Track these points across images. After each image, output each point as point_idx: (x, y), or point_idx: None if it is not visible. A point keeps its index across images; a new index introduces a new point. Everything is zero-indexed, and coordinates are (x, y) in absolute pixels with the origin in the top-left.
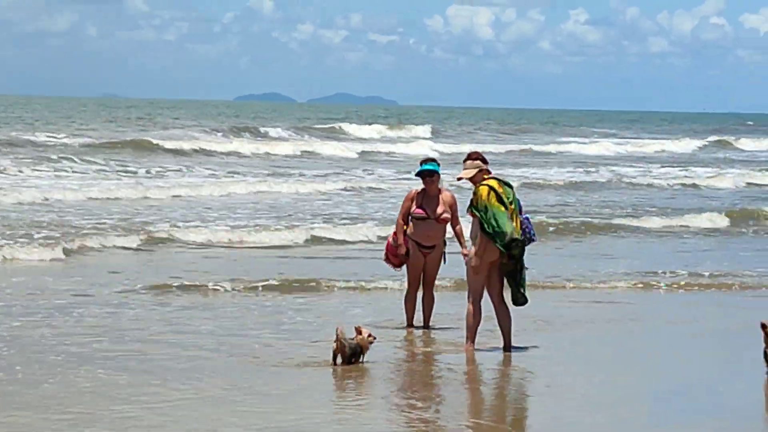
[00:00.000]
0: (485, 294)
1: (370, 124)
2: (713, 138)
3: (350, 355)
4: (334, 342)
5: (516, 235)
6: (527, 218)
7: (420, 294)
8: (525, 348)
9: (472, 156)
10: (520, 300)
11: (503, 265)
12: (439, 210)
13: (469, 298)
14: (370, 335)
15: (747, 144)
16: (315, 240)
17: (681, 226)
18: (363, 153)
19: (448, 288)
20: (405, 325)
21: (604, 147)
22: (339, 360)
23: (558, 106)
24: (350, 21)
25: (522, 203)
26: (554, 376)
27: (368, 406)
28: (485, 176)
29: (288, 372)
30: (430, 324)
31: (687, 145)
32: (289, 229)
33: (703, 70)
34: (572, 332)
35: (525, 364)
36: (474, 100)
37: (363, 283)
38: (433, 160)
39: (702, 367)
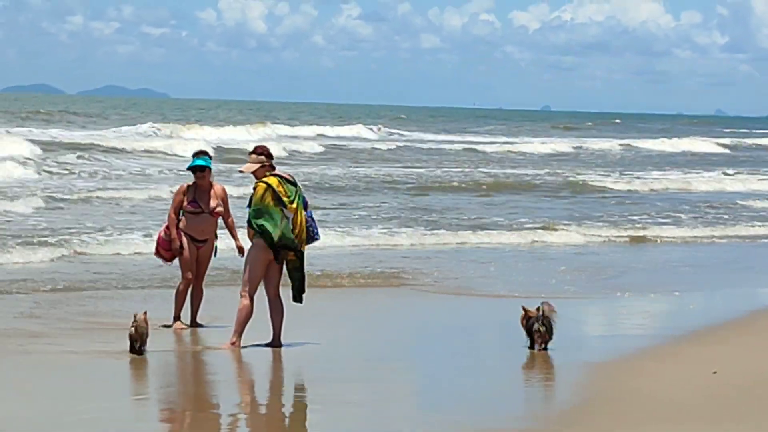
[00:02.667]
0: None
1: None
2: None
3: (144, 341)
4: (132, 327)
5: (285, 239)
6: (311, 215)
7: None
8: (295, 344)
9: (257, 150)
10: (297, 299)
11: (289, 261)
12: (213, 204)
13: (243, 290)
14: (144, 313)
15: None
16: None
17: None
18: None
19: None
20: (172, 319)
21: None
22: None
23: (331, 100)
24: (122, 13)
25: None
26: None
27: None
28: (267, 172)
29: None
30: (198, 320)
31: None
32: None
33: (473, 66)
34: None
35: (295, 360)
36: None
37: None
38: (205, 153)
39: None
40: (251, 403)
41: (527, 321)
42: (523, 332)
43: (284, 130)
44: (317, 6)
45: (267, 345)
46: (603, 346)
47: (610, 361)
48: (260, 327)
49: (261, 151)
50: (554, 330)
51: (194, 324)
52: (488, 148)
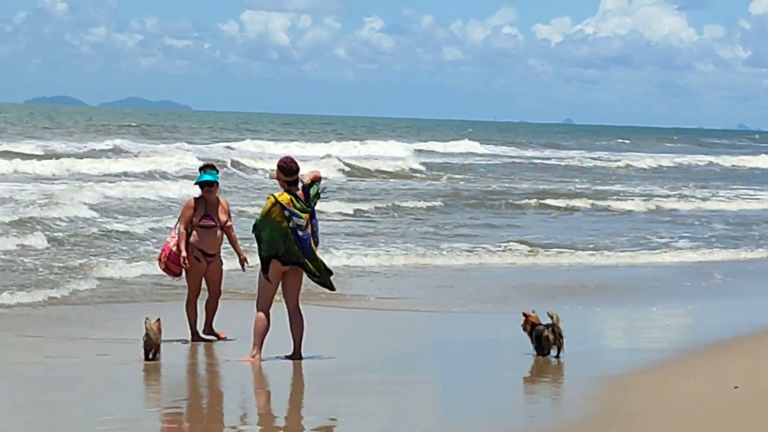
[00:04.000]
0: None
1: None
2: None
3: (157, 348)
4: (145, 335)
5: (287, 254)
6: (316, 222)
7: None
8: (315, 356)
9: (279, 164)
10: (328, 285)
11: (307, 272)
12: (223, 218)
13: (257, 305)
14: (157, 320)
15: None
16: None
17: None
18: None
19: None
20: (189, 333)
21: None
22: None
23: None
24: (145, 25)
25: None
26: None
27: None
28: (283, 189)
29: None
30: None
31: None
32: None
33: (495, 79)
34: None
35: (317, 372)
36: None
37: None
38: (212, 168)
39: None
40: (270, 416)
41: (531, 327)
42: (528, 338)
43: (383, 146)
44: (340, 19)
45: (287, 357)
46: (619, 359)
47: (626, 373)
48: (281, 339)
49: (282, 168)
50: (563, 336)
51: (210, 333)
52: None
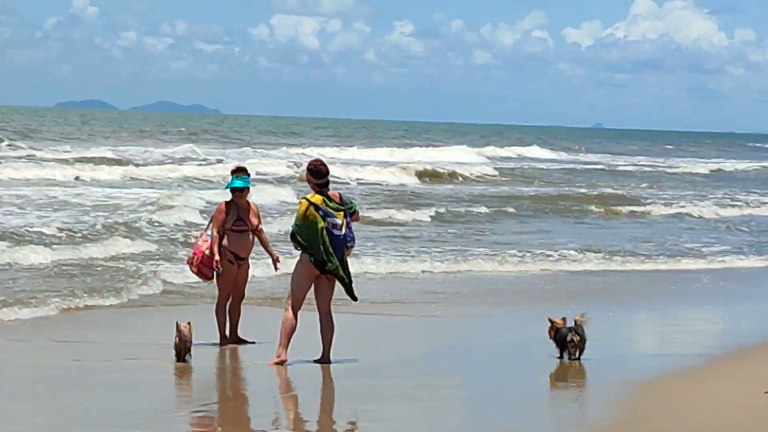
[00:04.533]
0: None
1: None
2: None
3: (187, 350)
4: (176, 337)
5: (325, 254)
6: (351, 232)
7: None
8: (343, 360)
9: (308, 166)
10: (352, 298)
11: (338, 278)
12: (255, 221)
13: (287, 303)
14: (188, 323)
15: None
16: None
17: None
18: None
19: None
20: (219, 337)
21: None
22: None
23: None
24: (176, 29)
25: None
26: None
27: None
28: (314, 191)
29: None
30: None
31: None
32: None
33: (525, 83)
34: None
35: (343, 376)
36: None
37: None
38: (245, 172)
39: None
40: (297, 420)
41: (556, 332)
42: (553, 344)
43: (453, 151)
44: (370, 23)
45: (316, 361)
46: (649, 363)
47: (654, 378)
48: (309, 343)
49: (311, 171)
50: (586, 338)
51: (236, 340)
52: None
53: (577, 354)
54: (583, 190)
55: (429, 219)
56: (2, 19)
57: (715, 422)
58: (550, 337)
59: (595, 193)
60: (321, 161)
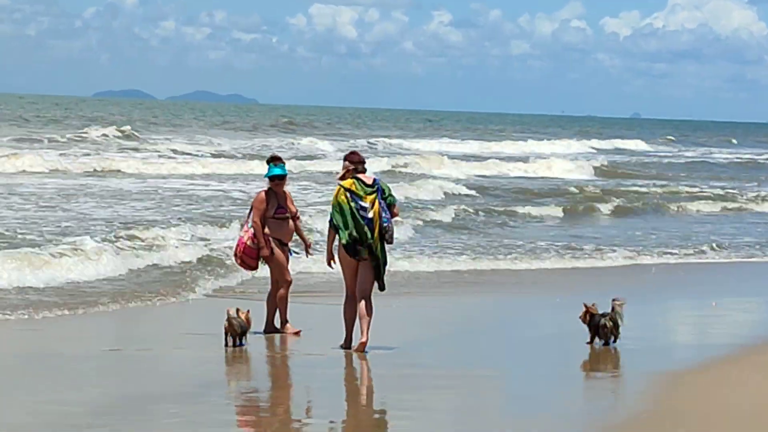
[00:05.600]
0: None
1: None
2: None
3: (240, 334)
4: (226, 321)
5: (356, 233)
6: (387, 215)
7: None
8: (379, 347)
9: (346, 157)
10: (380, 288)
11: (372, 259)
12: (293, 208)
13: (345, 293)
14: (247, 312)
15: None
16: None
17: None
18: None
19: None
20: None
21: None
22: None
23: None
24: (214, 19)
25: None
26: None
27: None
28: (348, 176)
29: None
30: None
31: None
32: None
33: (562, 73)
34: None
35: (379, 365)
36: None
37: None
38: (281, 160)
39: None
40: (333, 408)
41: (591, 318)
42: (586, 328)
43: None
44: (408, 12)
45: (355, 349)
46: (682, 354)
47: (687, 369)
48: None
49: (348, 158)
50: (621, 326)
51: (284, 328)
52: None
53: (612, 340)
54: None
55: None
56: (42, 9)
57: (744, 415)
58: (584, 322)
59: None
60: (356, 151)
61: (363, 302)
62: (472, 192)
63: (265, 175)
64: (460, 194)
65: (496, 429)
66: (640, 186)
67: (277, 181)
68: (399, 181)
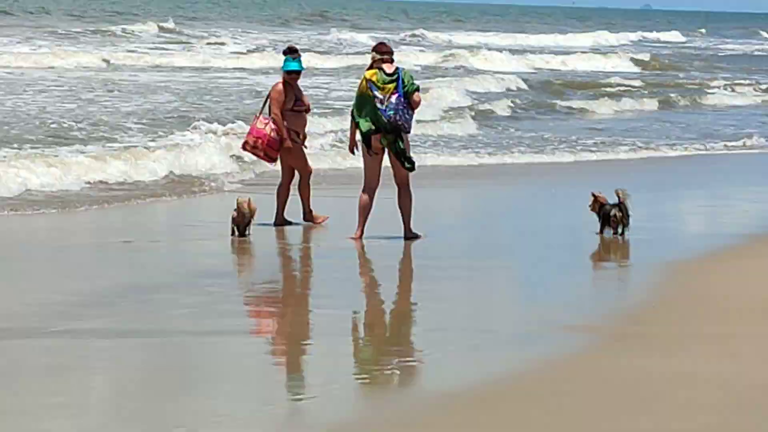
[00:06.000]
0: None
1: None
2: None
3: (246, 224)
4: (234, 211)
5: (375, 123)
6: (404, 103)
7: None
8: (394, 237)
9: (373, 48)
10: (407, 167)
11: (389, 145)
12: (307, 101)
13: (363, 187)
14: (249, 200)
15: None
16: None
17: None
18: None
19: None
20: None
21: None
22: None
23: None
24: None
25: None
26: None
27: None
28: (375, 66)
29: None
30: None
31: None
32: None
33: None
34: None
35: (394, 255)
36: None
37: None
38: (297, 53)
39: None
40: (347, 297)
41: (600, 207)
42: (596, 217)
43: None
44: None
45: (404, 238)
46: (691, 244)
47: (693, 258)
48: (384, 220)
49: (376, 48)
50: (630, 215)
51: (310, 219)
52: None
53: (620, 230)
54: None
55: None
56: None
57: (753, 302)
58: (593, 211)
59: None
60: (384, 42)
61: (403, 191)
62: (523, 86)
63: (282, 68)
64: (518, 89)
65: (509, 317)
66: (701, 79)
67: (294, 75)
68: (449, 77)
